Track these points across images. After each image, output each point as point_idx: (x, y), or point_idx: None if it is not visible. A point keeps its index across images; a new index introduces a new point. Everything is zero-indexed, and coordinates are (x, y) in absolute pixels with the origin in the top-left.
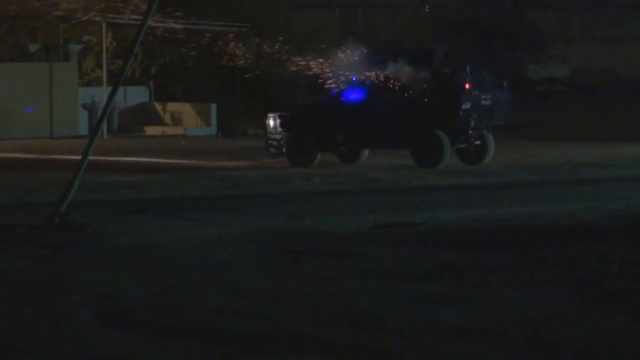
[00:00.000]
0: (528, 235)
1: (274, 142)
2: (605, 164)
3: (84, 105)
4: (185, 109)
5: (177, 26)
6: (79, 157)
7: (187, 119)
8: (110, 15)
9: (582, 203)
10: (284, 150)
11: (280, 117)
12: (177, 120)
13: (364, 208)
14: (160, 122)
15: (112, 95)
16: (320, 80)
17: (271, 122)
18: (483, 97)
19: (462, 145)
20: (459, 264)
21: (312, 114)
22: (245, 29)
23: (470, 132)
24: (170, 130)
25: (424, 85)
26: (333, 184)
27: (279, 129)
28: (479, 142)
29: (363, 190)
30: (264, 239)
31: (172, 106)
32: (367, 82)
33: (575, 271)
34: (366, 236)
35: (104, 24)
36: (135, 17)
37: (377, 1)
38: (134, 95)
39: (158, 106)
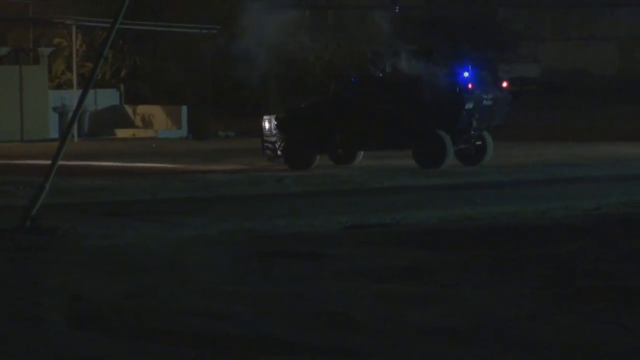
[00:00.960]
0: (500, 235)
1: (270, 145)
2: (576, 163)
3: (55, 109)
4: (155, 111)
5: (147, 28)
6: (50, 161)
7: (157, 122)
8: (81, 18)
9: (553, 202)
10: (279, 153)
11: (276, 119)
12: (147, 123)
13: (336, 209)
14: (131, 125)
15: (82, 98)
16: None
17: (266, 125)
18: (484, 97)
19: (463, 146)
20: (431, 264)
21: (309, 115)
22: (215, 31)
23: (472, 132)
24: (140, 133)
25: (426, 85)
26: (305, 185)
27: (275, 132)
28: (479, 143)
29: (335, 192)
30: (236, 240)
31: (142, 109)
32: (367, 81)
33: (546, 270)
34: (338, 237)
35: (74, 27)
36: (105, 19)
37: (347, 2)
38: (105, 98)
39: (128, 109)
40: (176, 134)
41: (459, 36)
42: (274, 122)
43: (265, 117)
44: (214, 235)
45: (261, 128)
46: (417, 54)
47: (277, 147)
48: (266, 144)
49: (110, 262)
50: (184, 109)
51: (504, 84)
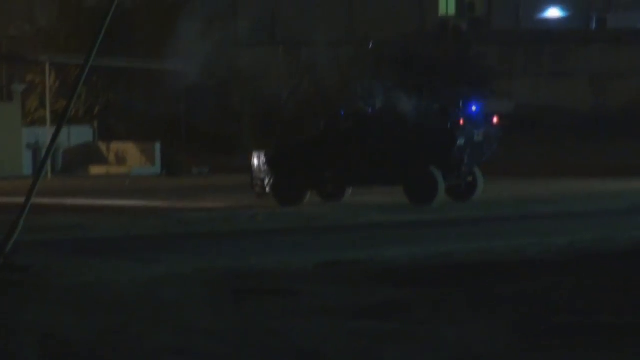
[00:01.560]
0: (474, 272)
1: (259, 182)
2: (550, 200)
3: (28, 145)
4: (129, 148)
5: (121, 65)
6: (23, 198)
7: (131, 158)
8: (54, 55)
9: (527, 238)
10: (267, 190)
11: (265, 155)
12: (121, 160)
13: (310, 246)
14: (105, 162)
15: (55, 135)
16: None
17: (255, 161)
18: (476, 132)
19: (454, 182)
20: (404, 301)
21: (298, 151)
22: (190, 67)
23: (464, 168)
24: (114, 170)
25: (417, 121)
26: (279, 222)
27: (264, 168)
28: (470, 178)
29: (309, 229)
30: (210, 278)
31: (116, 145)
32: (357, 117)
33: (521, 307)
34: (313, 274)
35: (47, 64)
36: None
37: (320, 38)
38: (78, 134)
39: (102, 145)
40: (150, 170)
41: (432, 73)
42: (263, 158)
43: (254, 153)
44: (188, 273)
45: (250, 164)
46: (408, 89)
47: (266, 183)
48: (255, 181)
49: (84, 300)
50: (158, 145)
51: (495, 120)
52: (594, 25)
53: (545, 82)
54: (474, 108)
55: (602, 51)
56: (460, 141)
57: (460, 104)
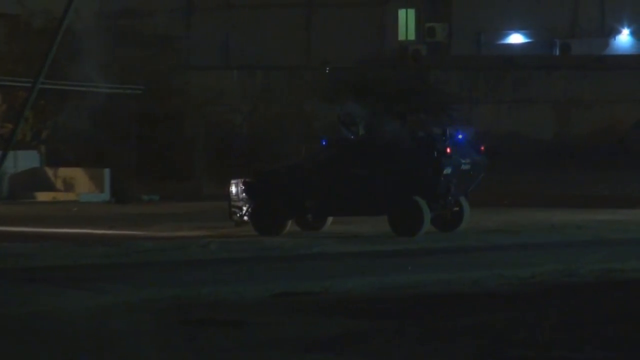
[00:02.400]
0: (432, 304)
1: (237, 210)
2: (510, 230)
3: None
4: (77, 174)
5: (70, 88)
6: None
7: (79, 185)
8: (1, 77)
9: (487, 270)
10: (245, 218)
11: (244, 183)
12: (69, 186)
13: (263, 276)
14: (52, 188)
15: (1, 160)
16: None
17: (233, 189)
18: (462, 161)
19: (441, 212)
20: (360, 333)
21: (278, 179)
22: (139, 92)
23: (450, 198)
24: (62, 196)
25: (403, 149)
26: (232, 251)
27: (242, 196)
28: (457, 209)
29: (263, 258)
30: (159, 308)
31: (64, 171)
32: (339, 145)
33: (480, 340)
34: (265, 305)
35: None
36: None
37: (276, 63)
38: (25, 160)
39: (49, 171)
40: (99, 197)
41: (391, 99)
42: (242, 186)
43: (232, 182)
44: (137, 303)
45: (228, 192)
46: (392, 116)
47: (245, 212)
48: (233, 209)
49: (29, 330)
50: (107, 171)
51: (482, 148)
52: (557, 52)
53: (507, 109)
54: (460, 136)
55: (565, 78)
56: (447, 170)
57: (447, 132)
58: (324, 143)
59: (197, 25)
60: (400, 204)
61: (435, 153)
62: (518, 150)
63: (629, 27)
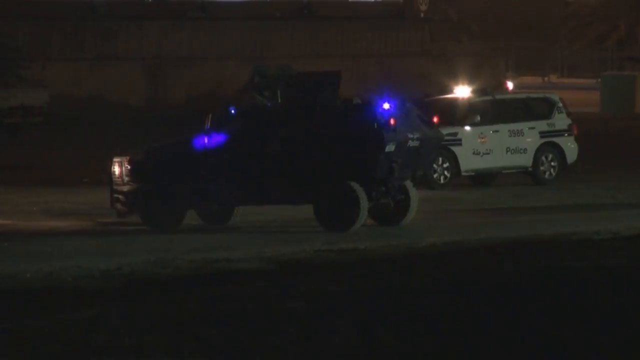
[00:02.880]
0: None
1: (121, 197)
2: (92, 212)
3: None
4: None
5: None
6: None
7: None
8: None
9: (62, 261)
10: (133, 207)
11: (130, 162)
12: None
13: None
14: None
15: None
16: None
17: (117, 169)
18: (410, 136)
19: (382, 200)
20: None
21: (174, 157)
22: None
23: (393, 182)
24: None
25: (332, 121)
26: None
27: (127, 179)
28: (401, 196)
29: None
30: None
31: None
32: (253, 114)
33: (55, 344)
34: None
35: None
36: None
37: None
38: None
39: None
40: None
41: None
42: (128, 166)
43: (115, 160)
44: None
45: (110, 173)
46: (321, 78)
47: (131, 198)
48: (116, 195)
49: None
50: None
51: (435, 120)
52: None
53: (89, 67)
54: (408, 105)
55: (160, 30)
56: (390, 147)
57: (390, 99)
58: (232, 111)
59: None
60: (330, 191)
61: (375, 125)
62: (103, 117)
63: None
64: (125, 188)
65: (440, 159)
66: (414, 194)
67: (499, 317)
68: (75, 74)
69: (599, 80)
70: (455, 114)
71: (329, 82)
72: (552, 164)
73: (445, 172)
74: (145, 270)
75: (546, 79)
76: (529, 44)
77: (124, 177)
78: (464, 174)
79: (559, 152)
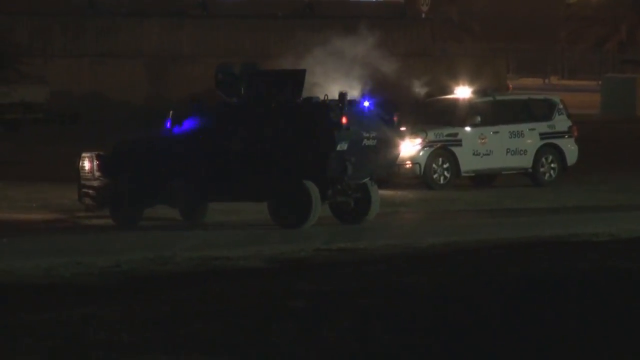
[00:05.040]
0: None
1: (91, 191)
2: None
3: None
4: None
5: None
6: None
7: None
8: None
9: (60, 258)
10: (102, 202)
11: (98, 158)
12: None
13: None
14: None
15: None
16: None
17: (87, 165)
18: (365, 135)
19: (339, 199)
20: None
21: (141, 153)
22: None
23: (349, 181)
24: None
25: (286, 119)
26: None
27: (97, 174)
28: (358, 195)
29: None
30: None
31: None
32: (215, 111)
33: (53, 340)
34: None
35: None
36: None
37: None
38: None
39: None
40: None
41: None
42: (96, 162)
43: (84, 155)
44: None
45: (78, 168)
46: (285, 76)
47: (101, 193)
48: (85, 190)
49: None
50: None
51: (395, 118)
52: None
53: (89, 64)
54: (366, 103)
55: (162, 28)
56: (342, 145)
57: (345, 98)
58: (196, 108)
59: None
60: (283, 189)
61: (327, 124)
62: (103, 115)
63: None
64: (95, 183)
65: (441, 159)
66: (375, 192)
67: (499, 317)
68: (75, 71)
69: (600, 82)
70: (455, 114)
71: (292, 81)
72: (552, 165)
73: (445, 173)
74: (143, 268)
75: (547, 80)
76: (529, 46)
77: (95, 172)
78: (463, 174)
79: (559, 154)
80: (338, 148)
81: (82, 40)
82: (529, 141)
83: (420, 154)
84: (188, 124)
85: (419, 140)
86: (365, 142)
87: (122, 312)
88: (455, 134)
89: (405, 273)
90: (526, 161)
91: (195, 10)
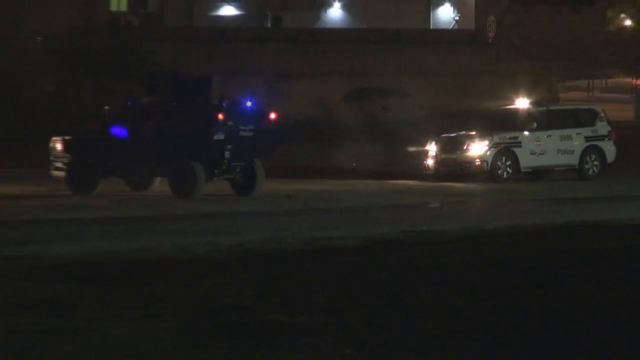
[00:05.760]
0: (140, 270)
1: (62, 165)
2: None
3: None
4: None
5: None
6: None
7: None
8: None
9: (196, 237)
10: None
11: (63, 141)
12: None
13: None
14: None
15: None
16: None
17: (59, 146)
18: (242, 128)
19: (227, 176)
20: (69, 297)
21: (90, 138)
22: None
23: (226, 162)
24: None
25: (181, 115)
26: None
27: (63, 154)
28: (242, 174)
29: None
30: None
31: None
32: (139, 107)
33: (188, 305)
34: None
35: None
36: None
37: None
38: None
39: None
40: None
41: (99, 67)
42: (61, 144)
43: (54, 139)
44: None
45: (49, 148)
46: (185, 83)
47: (63, 168)
48: (56, 164)
49: None
50: None
51: (272, 116)
52: (269, 24)
53: (219, 81)
54: (248, 103)
55: (277, 51)
56: (219, 136)
57: (225, 100)
58: (129, 103)
59: None
60: (178, 168)
61: (206, 119)
62: None
63: (340, 0)
64: (65, 160)
65: (504, 157)
66: (261, 172)
67: (553, 283)
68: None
69: (634, 95)
70: (516, 121)
71: (197, 86)
72: (595, 163)
73: (508, 169)
74: (262, 246)
75: (590, 93)
76: (576, 65)
77: (63, 152)
78: (523, 170)
79: (601, 153)
80: (215, 138)
81: (213, 61)
82: (576, 143)
83: (487, 153)
84: (118, 118)
85: (486, 142)
86: (242, 133)
87: (244, 282)
88: (516, 137)
89: (473, 251)
90: (574, 159)
91: (304, 37)
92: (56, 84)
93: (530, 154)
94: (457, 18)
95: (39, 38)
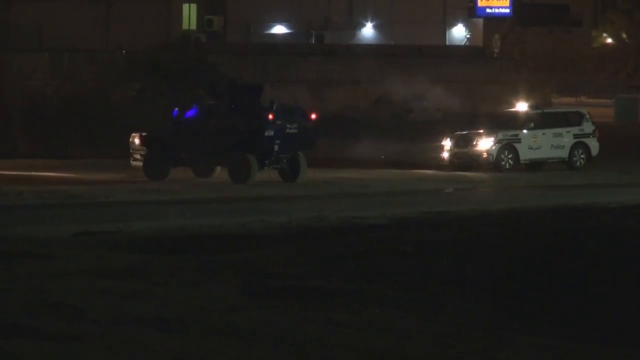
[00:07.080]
0: (205, 243)
1: (138, 156)
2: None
3: None
4: None
5: None
6: None
7: None
8: None
9: (252, 216)
10: (138, 164)
11: (140, 137)
12: None
13: (67, 218)
14: None
15: None
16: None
17: (137, 140)
18: (288, 126)
19: (276, 166)
20: (147, 266)
21: (161, 135)
22: None
23: (278, 154)
24: None
25: (238, 115)
26: (41, 198)
27: (142, 146)
28: (287, 165)
29: (67, 205)
30: None
31: None
32: (203, 109)
33: (243, 272)
34: (68, 242)
35: None
36: None
37: (79, 45)
38: None
39: None
40: None
41: (172, 76)
42: (139, 139)
43: (134, 134)
44: None
45: (129, 143)
46: (242, 89)
47: (141, 158)
48: (135, 155)
49: None
50: None
51: (313, 116)
52: (313, 41)
53: (271, 88)
54: (292, 107)
55: (319, 63)
56: (269, 132)
57: (275, 105)
58: (175, 113)
59: (15, 12)
60: (235, 158)
61: (259, 119)
62: None
63: (372, 21)
64: (142, 152)
65: (507, 151)
66: (303, 163)
67: (546, 252)
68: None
69: (614, 100)
70: (516, 121)
71: (252, 91)
72: (582, 156)
73: (510, 161)
74: (307, 224)
75: (578, 99)
76: (566, 75)
77: (141, 145)
78: (522, 162)
79: (586, 148)
80: (266, 134)
81: (267, 71)
82: (566, 139)
83: (493, 148)
84: (187, 116)
85: (492, 139)
86: (288, 130)
87: (291, 254)
88: (517, 135)
89: (484, 226)
90: (564, 153)
91: (342, 51)
92: (137, 89)
93: (529, 148)
94: (468, 36)
95: (123, 51)
